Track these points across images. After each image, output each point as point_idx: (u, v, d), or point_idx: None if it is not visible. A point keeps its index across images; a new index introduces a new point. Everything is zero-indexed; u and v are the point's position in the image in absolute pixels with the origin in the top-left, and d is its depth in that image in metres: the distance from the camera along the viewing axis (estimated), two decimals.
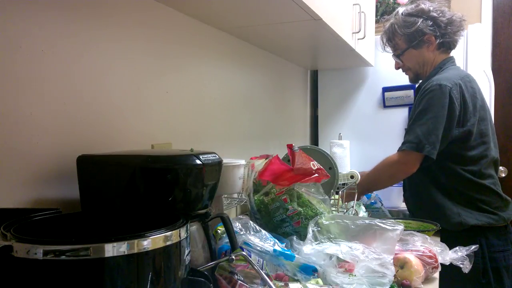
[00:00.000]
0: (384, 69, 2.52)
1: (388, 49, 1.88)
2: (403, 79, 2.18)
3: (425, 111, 1.61)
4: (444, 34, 1.72)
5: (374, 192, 2.00)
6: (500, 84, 2.99)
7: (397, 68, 1.89)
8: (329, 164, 1.63)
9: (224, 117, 1.70)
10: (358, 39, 2.03)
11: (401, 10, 1.78)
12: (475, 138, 1.64)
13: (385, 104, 2.52)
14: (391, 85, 2.49)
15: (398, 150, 1.68)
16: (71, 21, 0.99)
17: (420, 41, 1.74)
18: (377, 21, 2.54)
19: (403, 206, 2.05)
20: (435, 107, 1.59)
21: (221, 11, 1.40)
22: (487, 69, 2.49)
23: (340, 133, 2.62)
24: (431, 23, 1.71)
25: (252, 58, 1.94)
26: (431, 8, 1.72)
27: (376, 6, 2.55)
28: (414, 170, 1.64)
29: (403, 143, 1.65)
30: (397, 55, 1.82)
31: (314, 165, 1.22)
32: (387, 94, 2.50)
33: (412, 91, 2.40)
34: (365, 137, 2.58)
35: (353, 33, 1.95)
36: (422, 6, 1.74)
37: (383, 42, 1.87)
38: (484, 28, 2.97)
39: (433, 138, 1.57)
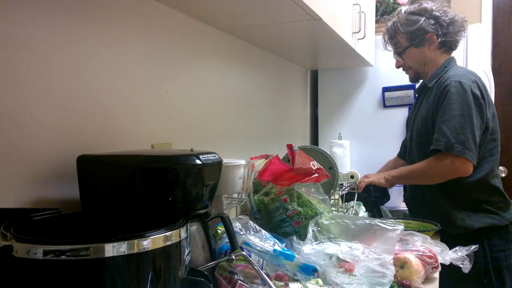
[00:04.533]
0: (384, 69, 2.52)
1: (390, 47, 1.87)
2: (403, 79, 2.17)
3: (448, 108, 1.56)
4: (446, 33, 1.72)
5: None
6: (500, 84, 2.99)
7: (397, 66, 1.88)
8: (329, 164, 1.62)
9: (224, 117, 1.70)
10: (358, 39, 2.03)
11: (404, 8, 1.78)
12: (487, 135, 1.63)
13: (385, 104, 2.52)
14: (391, 85, 2.49)
15: (430, 151, 1.60)
16: (71, 21, 0.99)
17: (422, 39, 1.74)
18: (377, 21, 2.54)
19: (403, 206, 2.05)
20: (458, 105, 1.55)
21: (221, 11, 1.40)
22: (487, 69, 2.48)
23: (340, 133, 2.62)
24: (433, 22, 1.71)
25: (252, 58, 1.94)
26: (434, 8, 1.73)
27: (376, 6, 2.55)
28: (469, 174, 1.56)
29: (433, 142, 1.57)
30: (398, 53, 1.82)
31: (314, 165, 1.22)
32: (387, 94, 2.50)
33: (412, 91, 2.40)
34: (365, 137, 2.58)
35: (353, 33, 1.95)
36: (425, 5, 1.74)
37: (385, 40, 1.87)
38: (484, 28, 2.97)
39: (462, 137, 1.51)
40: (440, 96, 1.61)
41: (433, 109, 1.64)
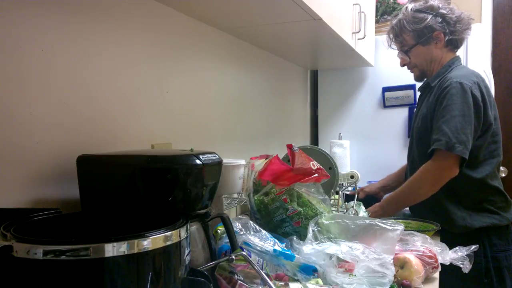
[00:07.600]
0: (384, 69, 2.52)
1: (394, 45, 1.84)
2: (403, 79, 2.17)
3: (449, 108, 1.55)
4: (453, 31, 1.71)
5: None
6: (500, 84, 2.99)
7: (402, 65, 1.84)
8: (329, 164, 1.62)
9: (224, 117, 1.70)
10: (358, 39, 2.03)
11: (410, 6, 1.76)
12: (488, 137, 1.62)
13: (385, 104, 2.52)
14: (391, 85, 2.49)
15: (429, 152, 1.59)
16: (71, 21, 0.99)
17: (429, 37, 1.72)
18: (377, 21, 2.54)
19: None
20: (459, 105, 1.54)
21: (221, 11, 1.40)
22: (487, 69, 2.48)
23: (340, 133, 2.62)
24: (440, 19, 1.70)
25: (252, 58, 1.94)
26: (440, 5, 1.71)
27: (376, 6, 2.55)
28: (457, 173, 1.55)
29: (432, 143, 1.56)
30: (405, 51, 1.79)
31: (314, 165, 1.22)
32: (387, 94, 2.50)
33: (412, 91, 2.40)
34: (365, 137, 2.58)
35: (353, 33, 1.95)
36: (431, 2, 1.72)
37: (389, 38, 1.83)
38: (484, 28, 2.96)
39: (463, 138, 1.51)
40: (440, 96, 1.61)
41: (433, 108, 1.64)
